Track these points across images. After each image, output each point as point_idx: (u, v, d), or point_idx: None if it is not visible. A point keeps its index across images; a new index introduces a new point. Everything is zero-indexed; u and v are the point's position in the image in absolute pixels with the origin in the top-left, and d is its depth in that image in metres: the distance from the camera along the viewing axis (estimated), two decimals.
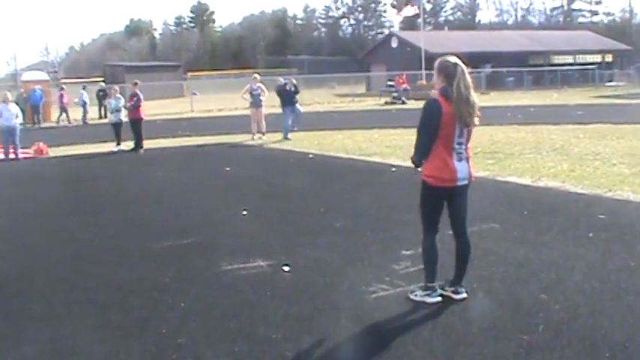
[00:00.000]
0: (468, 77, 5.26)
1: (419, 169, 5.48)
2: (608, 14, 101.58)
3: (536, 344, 4.54)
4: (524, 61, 56.11)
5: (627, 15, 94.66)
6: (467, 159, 5.40)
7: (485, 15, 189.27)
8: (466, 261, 5.53)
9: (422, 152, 5.34)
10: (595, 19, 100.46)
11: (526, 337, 4.65)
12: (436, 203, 5.44)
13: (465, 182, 5.39)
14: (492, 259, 6.56)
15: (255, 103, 21.05)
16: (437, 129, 5.18)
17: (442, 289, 5.64)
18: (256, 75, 22.44)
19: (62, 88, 34.71)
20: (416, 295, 5.53)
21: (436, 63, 5.41)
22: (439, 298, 5.45)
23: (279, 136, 20.75)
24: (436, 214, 5.46)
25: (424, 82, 45.65)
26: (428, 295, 5.47)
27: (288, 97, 21.15)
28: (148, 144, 19.48)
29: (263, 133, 21.09)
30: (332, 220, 8.78)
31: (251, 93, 21.21)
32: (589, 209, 8.84)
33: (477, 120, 5.29)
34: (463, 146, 5.35)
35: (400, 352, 4.59)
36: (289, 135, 20.59)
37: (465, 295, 5.49)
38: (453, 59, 5.30)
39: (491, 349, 4.51)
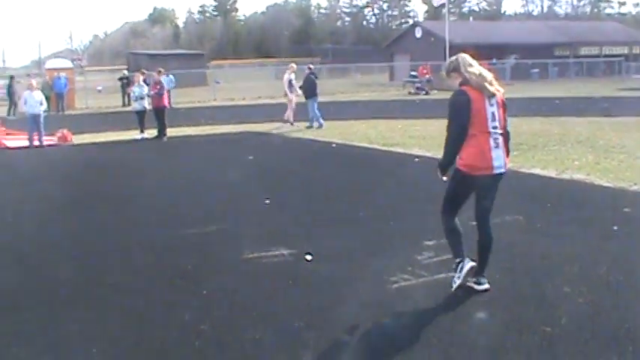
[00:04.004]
0: (469, 57, 5.43)
1: (445, 177, 5.47)
2: (636, 5, 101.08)
3: (558, 337, 4.52)
4: (550, 53, 55.61)
5: None
6: (503, 146, 5.32)
7: (511, 5, 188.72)
8: (488, 252, 5.45)
9: (451, 154, 5.33)
10: (623, 10, 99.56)
11: (549, 330, 4.63)
12: (463, 190, 5.42)
13: (502, 171, 5.32)
14: (516, 251, 6.53)
15: (294, 90, 21.18)
16: (468, 119, 5.18)
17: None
18: (293, 64, 22.40)
19: (143, 73, 34.78)
20: (455, 282, 5.42)
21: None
22: (472, 263, 5.36)
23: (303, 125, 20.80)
24: (459, 199, 5.47)
25: None
26: (460, 269, 5.37)
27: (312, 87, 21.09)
28: (170, 132, 19.55)
29: (292, 122, 21.18)
30: (354, 209, 8.78)
31: (290, 82, 21.27)
32: (614, 202, 8.76)
33: (500, 89, 5.36)
34: (498, 130, 5.28)
35: (422, 342, 4.59)
36: (315, 124, 20.59)
37: (487, 286, 5.44)
38: (454, 57, 5.53)
39: (513, 341, 4.49)
